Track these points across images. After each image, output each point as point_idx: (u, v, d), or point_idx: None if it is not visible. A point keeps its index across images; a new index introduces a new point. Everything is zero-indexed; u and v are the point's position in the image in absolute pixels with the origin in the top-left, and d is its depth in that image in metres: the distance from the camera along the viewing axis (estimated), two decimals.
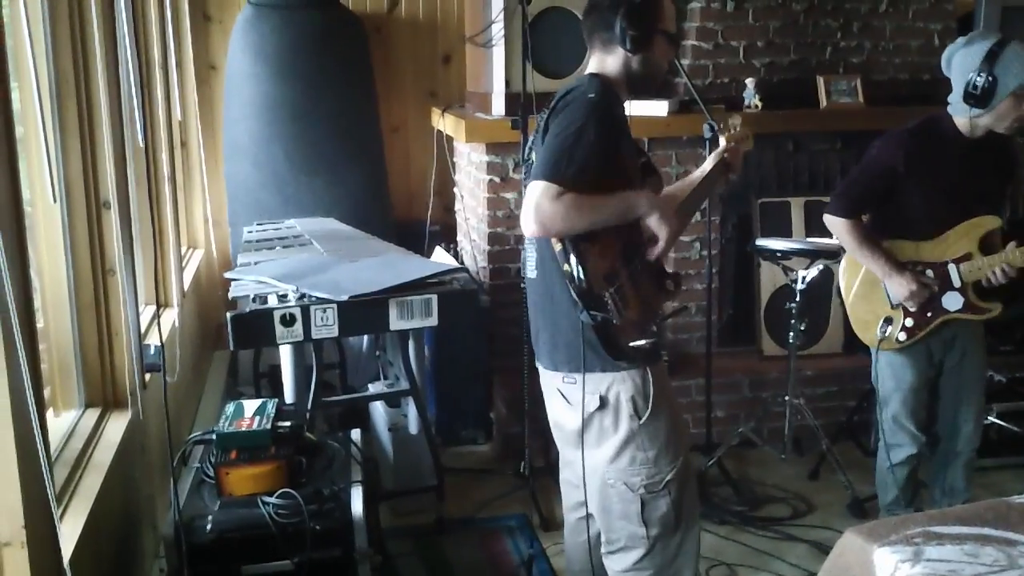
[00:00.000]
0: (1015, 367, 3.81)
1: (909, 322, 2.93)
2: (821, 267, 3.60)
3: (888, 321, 2.93)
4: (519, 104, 3.34)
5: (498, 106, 3.80)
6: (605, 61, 2.21)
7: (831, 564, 1.85)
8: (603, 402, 2.20)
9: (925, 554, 1.71)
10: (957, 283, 2.89)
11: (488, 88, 3.87)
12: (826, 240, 3.63)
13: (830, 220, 2.95)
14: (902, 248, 2.93)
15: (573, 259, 2.02)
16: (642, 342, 2.11)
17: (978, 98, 2.72)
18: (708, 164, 2.46)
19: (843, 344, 4.24)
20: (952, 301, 2.91)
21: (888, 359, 2.97)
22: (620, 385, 2.18)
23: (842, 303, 3.07)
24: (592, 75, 2.19)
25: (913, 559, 1.69)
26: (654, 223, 2.12)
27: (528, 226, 2.01)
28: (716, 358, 3.90)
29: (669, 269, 2.33)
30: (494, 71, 3.79)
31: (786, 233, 4.09)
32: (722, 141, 2.47)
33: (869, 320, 2.98)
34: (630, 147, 2.21)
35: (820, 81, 4.12)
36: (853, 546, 1.79)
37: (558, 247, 2.05)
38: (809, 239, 3.86)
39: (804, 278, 3.57)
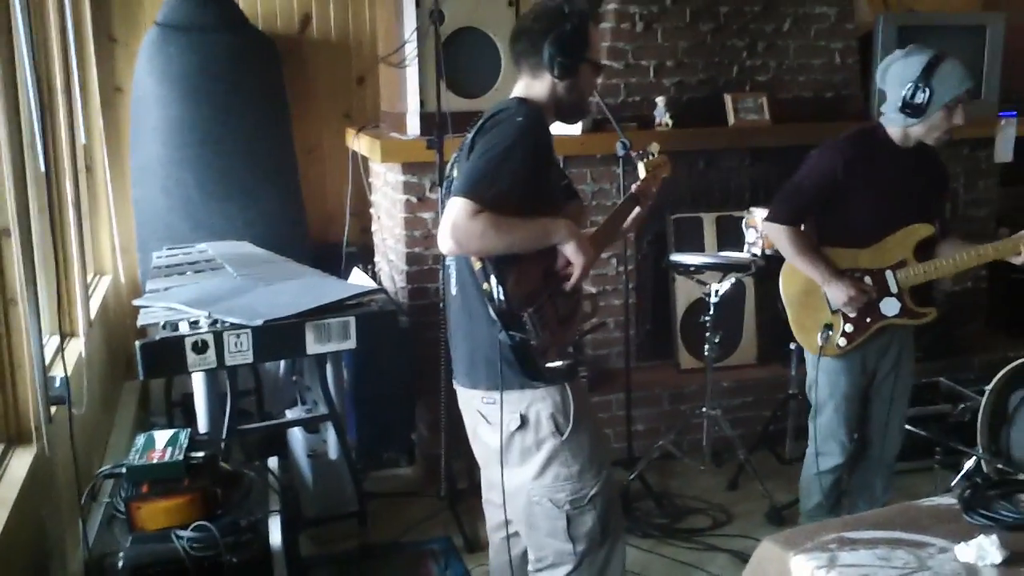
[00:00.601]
0: (922, 373, 3.94)
1: (849, 328, 2.97)
2: (733, 280, 3.66)
3: (828, 327, 2.96)
4: (434, 124, 3.33)
5: (413, 126, 3.79)
6: (532, 86, 2.22)
7: (750, 573, 1.88)
8: (523, 421, 2.19)
9: (840, 559, 1.75)
10: (894, 289, 2.94)
11: (403, 108, 3.86)
12: (737, 254, 3.72)
13: (770, 227, 2.98)
14: (840, 256, 2.96)
15: (493, 279, 2.01)
16: (559, 363, 2.11)
17: (914, 108, 2.79)
18: (622, 199, 2.48)
19: (757, 355, 4.32)
20: (890, 307, 2.96)
21: (824, 366, 3.01)
22: (540, 403, 2.18)
23: (782, 309, 3.10)
24: (520, 99, 2.19)
25: (828, 565, 1.73)
26: (570, 252, 2.12)
27: (444, 243, 2.00)
28: (635, 372, 3.94)
29: (588, 289, 2.34)
30: (408, 91, 3.78)
31: (699, 248, 4.16)
32: (640, 169, 2.49)
33: (810, 326, 3.01)
34: (554, 172, 2.21)
35: (728, 99, 4.20)
36: (771, 554, 1.82)
37: (478, 266, 2.05)
38: (721, 253, 3.93)
39: (717, 291, 3.63)
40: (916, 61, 2.80)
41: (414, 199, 3.90)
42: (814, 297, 3.01)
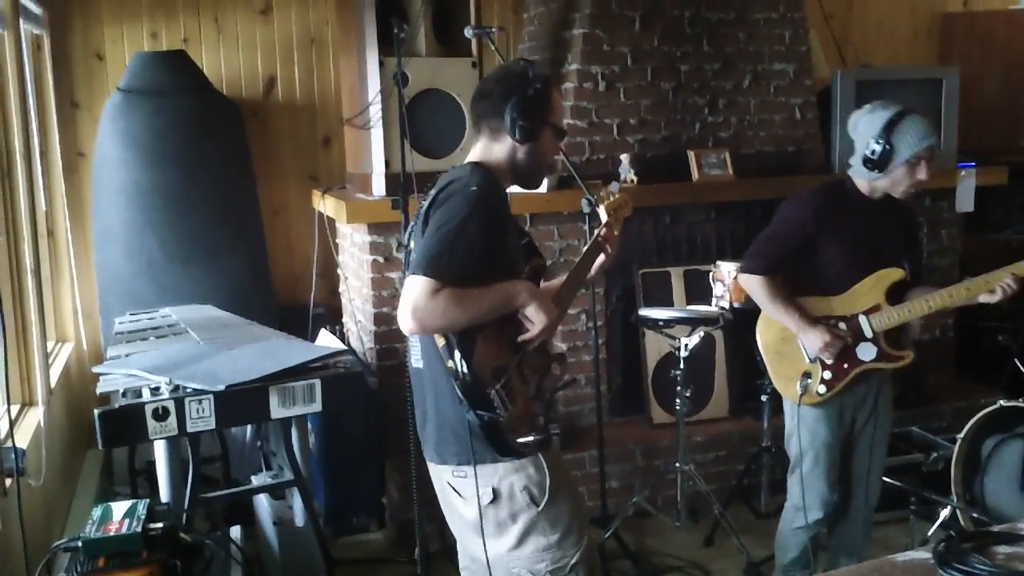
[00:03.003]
0: (895, 422, 3.95)
1: (827, 375, 2.96)
2: (702, 334, 3.66)
3: (807, 375, 2.95)
4: (399, 184, 3.35)
5: (378, 186, 3.80)
6: (492, 148, 2.21)
7: None
8: (496, 495, 2.15)
9: None
10: (869, 334, 2.95)
11: (368, 169, 3.87)
12: (706, 307, 3.72)
13: (745, 279, 2.99)
14: (814, 304, 2.97)
15: (457, 355, 1.99)
16: (530, 438, 2.08)
17: (875, 163, 2.83)
18: (584, 250, 2.42)
19: (729, 408, 4.30)
20: (866, 351, 2.96)
21: (803, 416, 2.99)
22: (513, 476, 2.14)
23: (760, 360, 3.10)
24: (475, 164, 2.17)
25: None
26: (532, 312, 2.09)
27: (405, 323, 1.96)
28: (608, 428, 3.91)
29: (557, 349, 2.32)
30: (373, 152, 3.80)
31: (668, 302, 4.17)
32: (601, 213, 2.46)
33: (789, 375, 3.00)
34: (512, 238, 2.19)
35: (691, 155, 4.25)
36: None
37: (441, 342, 2.02)
38: (690, 307, 3.95)
39: (687, 345, 3.63)
40: (879, 118, 2.84)
41: (381, 259, 3.89)
42: (791, 346, 3.00)
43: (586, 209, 3.25)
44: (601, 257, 2.41)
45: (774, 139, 4.47)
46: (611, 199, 2.47)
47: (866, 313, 2.95)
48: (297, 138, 4.64)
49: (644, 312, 3.76)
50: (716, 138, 4.38)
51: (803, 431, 3.01)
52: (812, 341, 2.93)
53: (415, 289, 1.95)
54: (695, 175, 4.23)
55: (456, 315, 1.96)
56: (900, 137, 2.80)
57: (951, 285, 2.92)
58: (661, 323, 3.66)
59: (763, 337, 3.08)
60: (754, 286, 2.97)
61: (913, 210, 3.11)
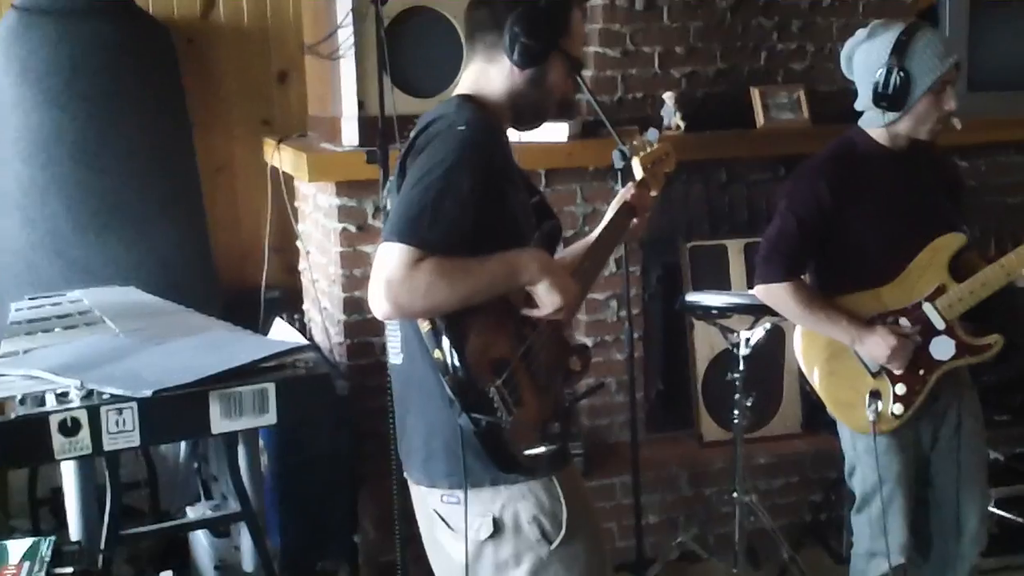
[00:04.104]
0: (1015, 441, 3.94)
1: (900, 388, 2.97)
2: (768, 327, 3.65)
3: (876, 395, 2.96)
4: (377, 131, 3.34)
5: (350, 134, 3.78)
6: (487, 74, 2.21)
7: None
8: (497, 526, 2.16)
9: None
10: (940, 324, 2.96)
11: (336, 112, 3.86)
12: None
13: (764, 291, 3.02)
14: (861, 302, 2.99)
15: (446, 343, 1.99)
16: (541, 449, 2.08)
17: (891, 99, 2.84)
18: (612, 208, 2.45)
19: (802, 421, 4.31)
20: (942, 348, 2.97)
21: (867, 445, 3.01)
22: (519, 502, 2.15)
23: (810, 389, 3.12)
24: (463, 98, 2.18)
25: None
26: (543, 291, 2.09)
27: (378, 304, 1.97)
28: (645, 447, 3.91)
29: (576, 340, 2.33)
30: (343, 90, 3.78)
31: (723, 285, 4.15)
32: (636, 167, 2.47)
33: (853, 401, 3.01)
34: (517, 191, 2.20)
35: (755, 94, 4.23)
36: None
37: (426, 327, 2.02)
38: (752, 291, 3.93)
39: (748, 341, 3.62)
40: (882, 42, 2.86)
41: (353, 228, 3.88)
42: (846, 362, 3.02)
43: (618, 164, 3.14)
44: (633, 222, 2.43)
45: None
46: (648, 150, 2.48)
47: (930, 299, 2.96)
48: (245, 72, 4.62)
49: (692, 297, 3.75)
50: (787, 72, 4.36)
51: (871, 463, 3.02)
52: (873, 349, 2.94)
53: (390, 259, 1.94)
54: (759, 120, 4.22)
55: (444, 293, 1.95)
56: (916, 60, 2.81)
57: None
58: (715, 312, 3.66)
59: (807, 357, 3.10)
60: (779, 297, 2.98)
61: (949, 158, 3.13)
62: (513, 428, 2.03)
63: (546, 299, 2.09)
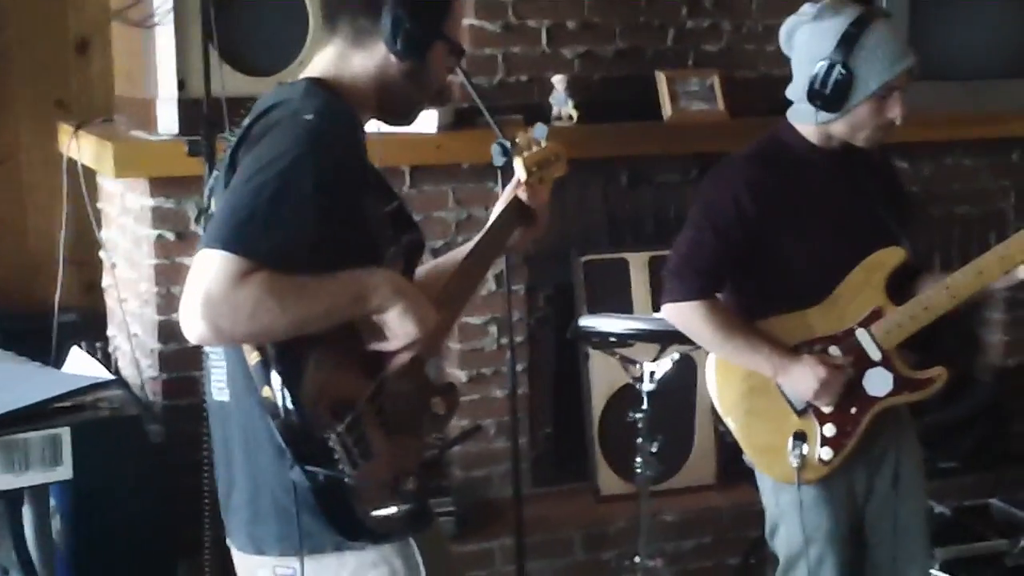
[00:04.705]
0: (965, 492, 3.94)
1: (829, 430, 2.97)
2: (677, 357, 3.64)
3: (800, 437, 2.94)
4: (201, 116, 3.35)
5: (167, 120, 3.72)
6: (349, 59, 2.21)
7: None
8: None
9: None
10: (876, 354, 2.97)
11: (150, 92, 3.80)
12: None
13: (673, 311, 3.01)
14: (786, 326, 2.99)
15: (277, 379, 1.94)
16: (393, 509, 2.05)
17: (826, 99, 2.86)
18: (494, 213, 2.46)
19: (718, 471, 4.34)
20: (878, 382, 2.98)
21: (792, 498, 3.00)
22: (369, 572, 2.14)
23: (724, 431, 3.17)
24: (313, 82, 2.16)
25: None
26: (395, 319, 2.04)
27: (192, 325, 1.91)
28: (531, 504, 3.89)
29: (441, 376, 2.24)
30: (159, 65, 3.72)
31: (624, 307, 4.15)
32: (518, 169, 2.45)
33: (775, 445, 2.99)
34: (371, 200, 2.19)
35: (661, 79, 4.25)
36: None
37: (254, 358, 1.98)
38: (658, 314, 3.87)
39: (653, 374, 3.60)
40: (828, 29, 2.87)
41: (170, 235, 3.80)
42: (767, 399, 3.02)
43: (498, 160, 3.20)
44: (517, 234, 2.46)
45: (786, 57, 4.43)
46: (534, 149, 2.46)
47: (864, 324, 2.98)
48: (34, 40, 4.53)
49: (587, 322, 3.74)
50: (700, 54, 4.39)
51: (795, 519, 3.02)
52: (798, 382, 2.94)
53: (210, 270, 1.88)
54: (667, 111, 4.24)
55: (274, 315, 1.90)
56: (863, 58, 2.83)
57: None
58: (613, 339, 3.65)
59: (722, 392, 3.12)
60: (691, 319, 2.99)
61: (888, 157, 3.23)
62: (359, 485, 2.01)
63: (398, 329, 2.06)
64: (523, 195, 2.45)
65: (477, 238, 2.40)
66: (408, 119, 2.33)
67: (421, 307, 2.08)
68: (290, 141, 1.99)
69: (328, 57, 2.21)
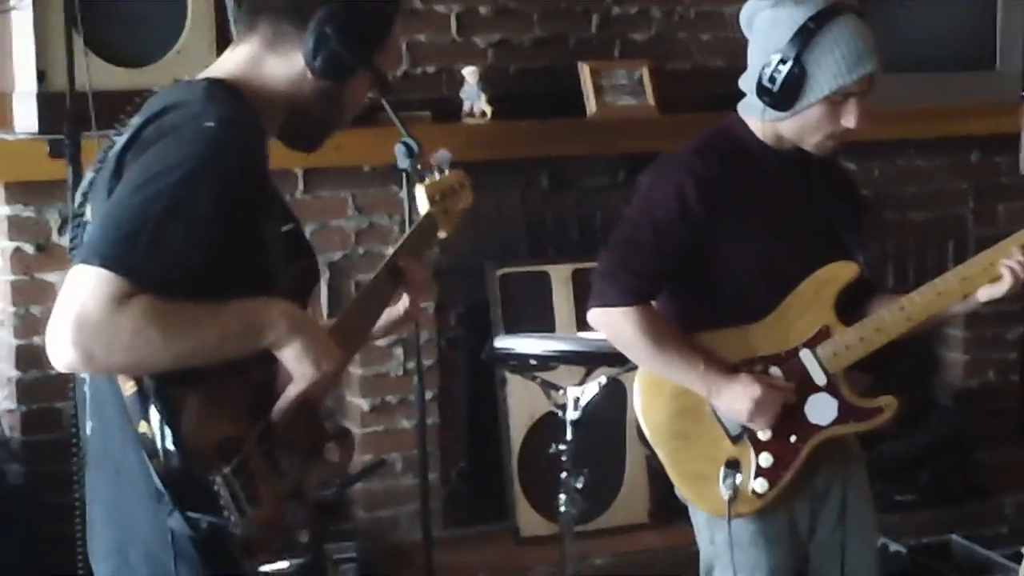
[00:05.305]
0: (922, 528, 4.03)
1: (765, 459, 2.97)
2: (604, 381, 3.67)
3: (733, 466, 2.94)
4: (66, 113, 3.38)
5: (25, 116, 3.76)
6: (261, 63, 2.20)
7: None
8: None
9: None
10: (820, 379, 2.97)
11: (6, 85, 3.84)
12: None
13: (601, 317, 2.99)
14: (725, 342, 2.99)
15: (155, 415, 1.93)
16: (284, 564, 2.05)
17: (775, 96, 2.87)
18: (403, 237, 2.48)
19: (651, 508, 4.36)
20: (821, 409, 2.98)
21: (725, 536, 2.98)
22: None
23: (651, 452, 3.10)
24: (216, 84, 2.14)
25: None
26: (292, 359, 2.05)
27: (61, 350, 1.88)
28: (444, 548, 3.93)
29: (334, 418, 2.27)
30: (16, 54, 3.78)
31: (546, 326, 4.19)
32: (420, 199, 2.49)
33: (707, 473, 2.98)
34: (270, 220, 2.18)
35: (584, 71, 4.30)
36: None
37: (130, 389, 1.95)
38: (584, 334, 3.87)
39: (578, 401, 3.63)
40: (786, 19, 2.88)
41: (29, 248, 3.81)
42: (699, 421, 3.02)
43: (403, 162, 3.28)
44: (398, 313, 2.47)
45: (726, 47, 4.48)
46: (437, 176, 2.52)
47: (809, 344, 2.99)
48: None
49: (504, 343, 3.77)
50: (627, 44, 4.42)
51: (727, 560, 3.01)
52: (732, 403, 2.94)
53: (85, 289, 1.87)
54: (591, 106, 4.30)
55: (155, 346, 1.90)
56: (818, 57, 2.85)
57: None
58: (533, 361, 3.69)
59: (648, 412, 3.09)
60: (620, 327, 2.97)
61: (843, 167, 3.23)
62: (246, 533, 1.99)
63: (295, 369, 2.06)
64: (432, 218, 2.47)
65: (376, 276, 2.39)
66: (312, 145, 2.32)
67: (320, 345, 2.09)
68: (187, 150, 1.98)
69: (238, 58, 2.21)
